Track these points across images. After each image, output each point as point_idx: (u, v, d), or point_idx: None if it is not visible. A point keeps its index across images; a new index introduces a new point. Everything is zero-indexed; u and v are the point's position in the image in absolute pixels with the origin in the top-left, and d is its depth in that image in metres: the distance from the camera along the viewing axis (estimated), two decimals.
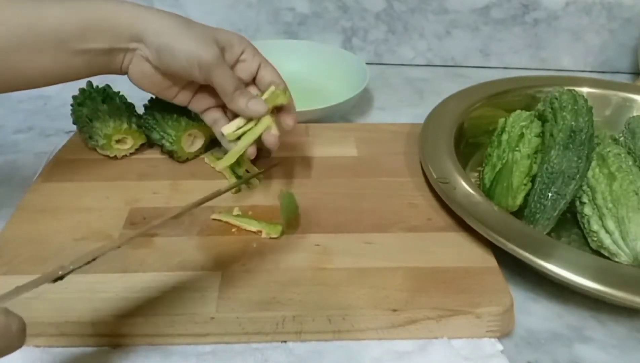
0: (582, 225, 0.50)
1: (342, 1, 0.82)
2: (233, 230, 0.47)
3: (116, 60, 0.48)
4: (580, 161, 0.50)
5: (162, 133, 0.55)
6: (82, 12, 0.45)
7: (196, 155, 0.57)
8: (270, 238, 0.46)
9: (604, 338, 0.42)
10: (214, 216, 0.48)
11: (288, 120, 0.50)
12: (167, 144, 0.54)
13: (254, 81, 0.52)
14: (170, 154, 0.55)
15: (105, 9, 0.45)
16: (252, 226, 0.47)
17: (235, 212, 0.49)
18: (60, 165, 0.55)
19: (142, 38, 0.46)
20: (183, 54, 0.45)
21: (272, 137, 0.48)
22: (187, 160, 0.56)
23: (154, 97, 0.57)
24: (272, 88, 0.50)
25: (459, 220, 0.47)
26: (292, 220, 0.47)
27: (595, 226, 0.48)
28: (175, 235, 0.46)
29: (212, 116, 0.52)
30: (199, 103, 0.52)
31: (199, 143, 0.56)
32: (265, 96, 0.49)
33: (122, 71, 0.49)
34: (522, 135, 0.54)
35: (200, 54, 0.45)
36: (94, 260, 0.34)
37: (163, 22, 0.46)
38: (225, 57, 0.48)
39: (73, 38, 0.44)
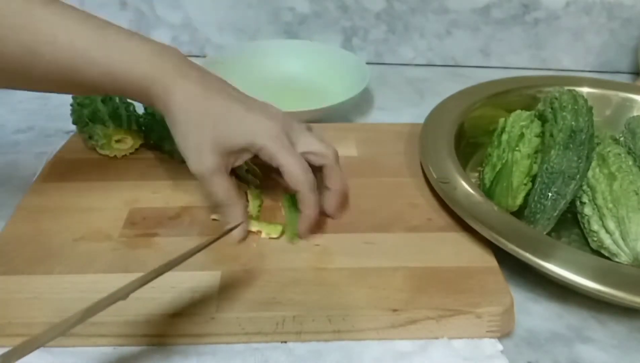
0: (582, 225, 0.50)
1: (342, 1, 0.82)
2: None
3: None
4: (580, 161, 0.50)
5: (161, 133, 0.55)
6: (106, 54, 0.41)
7: None
8: (270, 238, 0.46)
9: (604, 339, 0.42)
10: (214, 216, 0.48)
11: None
12: (167, 145, 0.54)
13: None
14: (170, 154, 0.55)
15: (127, 60, 0.42)
16: (252, 226, 0.47)
17: None
18: (60, 165, 0.55)
19: (164, 112, 0.44)
20: (182, 151, 0.44)
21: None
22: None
23: None
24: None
25: (459, 220, 0.47)
26: (296, 223, 0.47)
27: (595, 226, 0.48)
28: (175, 235, 0.46)
29: None
30: None
31: None
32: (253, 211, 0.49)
33: None
34: (522, 135, 0.54)
35: (191, 164, 0.44)
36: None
37: (183, 104, 0.43)
38: (230, 160, 0.45)
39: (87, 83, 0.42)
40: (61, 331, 0.32)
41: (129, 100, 0.59)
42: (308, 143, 0.46)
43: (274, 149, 0.44)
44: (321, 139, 0.47)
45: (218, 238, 0.42)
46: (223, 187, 0.45)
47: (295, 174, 0.44)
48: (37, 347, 0.31)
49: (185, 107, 0.43)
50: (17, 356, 0.30)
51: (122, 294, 0.35)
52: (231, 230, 0.44)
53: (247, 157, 0.45)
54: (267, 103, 0.47)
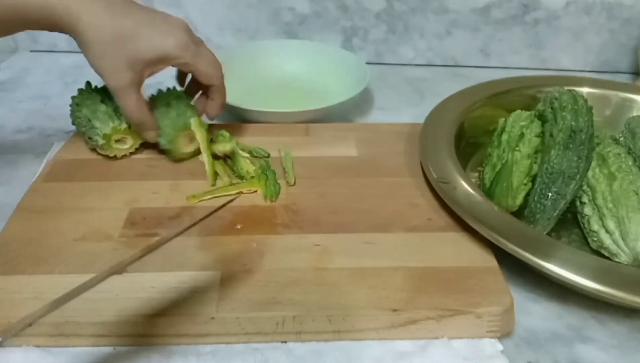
0: (582, 225, 0.50)
1: (342, 1, 0.82)
2: (238, 226, 0.47)
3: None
4: (580, 161, 0.50)
5: (159, 131, 0.55)
6: None
7: (193, 155, 0.57)
8: (252, 192, 0.51)
9: (604, 338, 0.42)
10: (190, 198, 0.50)
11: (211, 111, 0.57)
12: (164, 142, 0.54)
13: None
14: (167, 153, 0.55)
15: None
16: (231, 190, 0.51)
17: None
18: (60, 165, 0.55)
19: (72, 34, 0.47)
20: (97, 70, 0.49)
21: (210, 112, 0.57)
22: (182, 160, 0.56)
23: (152, 95, 0.57)
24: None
25: (459, 220, 0.47)
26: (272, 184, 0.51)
27: (595, 226, 0.48)
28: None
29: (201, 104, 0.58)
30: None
31: (196, 143, 0.56)
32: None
33: None
34: (522, 135, 0.54)
35: (108, 81, 0.49)
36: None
37: (92, 25, 0.46)
38: (146, 73, 0.51)
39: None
40: (56, 306, 0.38)
41: None
42: (202, 62, 0.53)
43: (187, 58, 0.51)
44: (211, 59, 0.54)
45: (212, 212, 0.48)
46: (135, 100, 0.51)
47: (211, 72, 0.54)
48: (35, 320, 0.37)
49: (94, 28, 0.46)
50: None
51: (118, 269, 0.38)
52: (226, 204, 0.50)
53: (161, 68, 0.51)
54: (169, 15, 0.52)
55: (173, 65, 0.53)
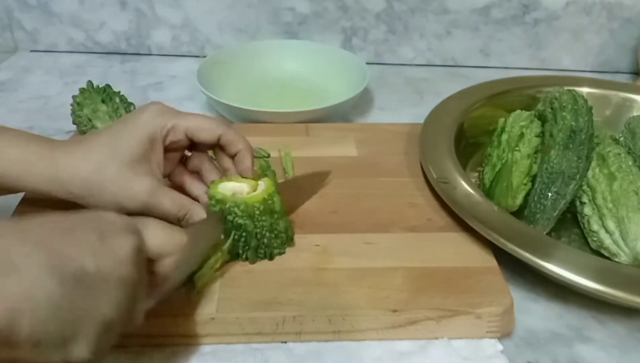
0: (582, 225, 0.50)
1: (342, 1, 0.82)
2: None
3: None
4: (580, 161, 0.50)
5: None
6: None
7: None
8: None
9: (604, 338, 0.42)
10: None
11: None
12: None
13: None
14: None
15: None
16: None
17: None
18: None
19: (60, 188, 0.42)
20: (111, 202, 0.41)
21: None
22: None
23: None
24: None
25: (459, 220, 0.47)
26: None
27: (595, 226, 0.48)
28: None
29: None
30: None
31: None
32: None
33: None
34: (522, 135, 0.54)
35: (130, 198, 0.42)
36: None
37: (75, 167, 0.41)
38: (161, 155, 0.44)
39: None
40: None
41: (129, 101, 0.59)
42: (190, 118, 0.44)
43: (175, 121, 0.43)
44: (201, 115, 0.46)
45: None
46: (174, 198, 0.43)
47: (205, 124, 0.44)
48: None
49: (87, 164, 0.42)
50: None
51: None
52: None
53: (172, 136, 0.44)
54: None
55: (171, 146, 0.44)
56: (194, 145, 0.46)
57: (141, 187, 0.42)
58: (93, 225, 0.30)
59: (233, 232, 0.42)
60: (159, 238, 0.35)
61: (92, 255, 0.28)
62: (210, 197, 0.43)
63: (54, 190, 0.42)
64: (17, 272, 0.25)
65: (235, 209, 0.41)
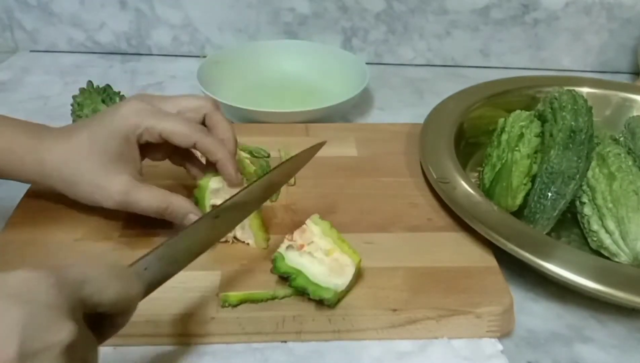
0: (582, 225, 0.50)
1: (342, 1, 0.82)
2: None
3: None
4: (580, 161, 0.50)
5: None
6: None
7: None
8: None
9: (604, 338, 0.42)
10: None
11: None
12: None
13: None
14: None
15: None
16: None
17: None
18: None
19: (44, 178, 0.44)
20: (89, 200, 0.44)
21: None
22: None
23: None
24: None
25: (459, 220, 0.47)
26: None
27: (595, 226, 0.48)
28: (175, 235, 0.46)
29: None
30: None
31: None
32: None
33: None
34: (521, 135, 0.54)
35: (105, 199, 0.43)
36: None
37: (60, 157, 0.43)
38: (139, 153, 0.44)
39: None
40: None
41: None
42: (176, 102, 0.44)
43: (150, 122, 0.42)
44: (187, 96, 0.46)
45: None
46: (151, 194, 0.43)
47: (180, 130, 0.42)
48: None
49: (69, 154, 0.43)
50: None
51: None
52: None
53: (147, 137, 0.43)
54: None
55: (145, 142, 0.44)
56: None
57: (115, 187, 0.43)
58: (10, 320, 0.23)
59: None
60: (111, 293, 0.29)
61: None
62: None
63: (40, 182, 0.45)
64: None
65: None
